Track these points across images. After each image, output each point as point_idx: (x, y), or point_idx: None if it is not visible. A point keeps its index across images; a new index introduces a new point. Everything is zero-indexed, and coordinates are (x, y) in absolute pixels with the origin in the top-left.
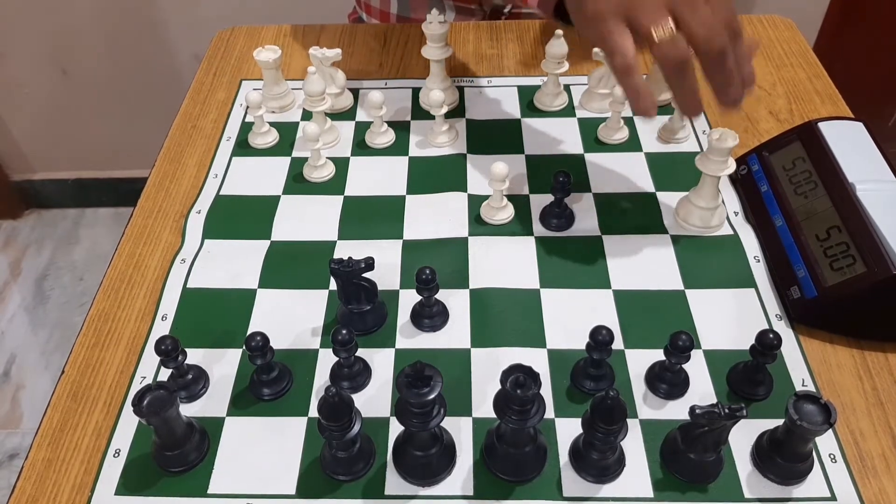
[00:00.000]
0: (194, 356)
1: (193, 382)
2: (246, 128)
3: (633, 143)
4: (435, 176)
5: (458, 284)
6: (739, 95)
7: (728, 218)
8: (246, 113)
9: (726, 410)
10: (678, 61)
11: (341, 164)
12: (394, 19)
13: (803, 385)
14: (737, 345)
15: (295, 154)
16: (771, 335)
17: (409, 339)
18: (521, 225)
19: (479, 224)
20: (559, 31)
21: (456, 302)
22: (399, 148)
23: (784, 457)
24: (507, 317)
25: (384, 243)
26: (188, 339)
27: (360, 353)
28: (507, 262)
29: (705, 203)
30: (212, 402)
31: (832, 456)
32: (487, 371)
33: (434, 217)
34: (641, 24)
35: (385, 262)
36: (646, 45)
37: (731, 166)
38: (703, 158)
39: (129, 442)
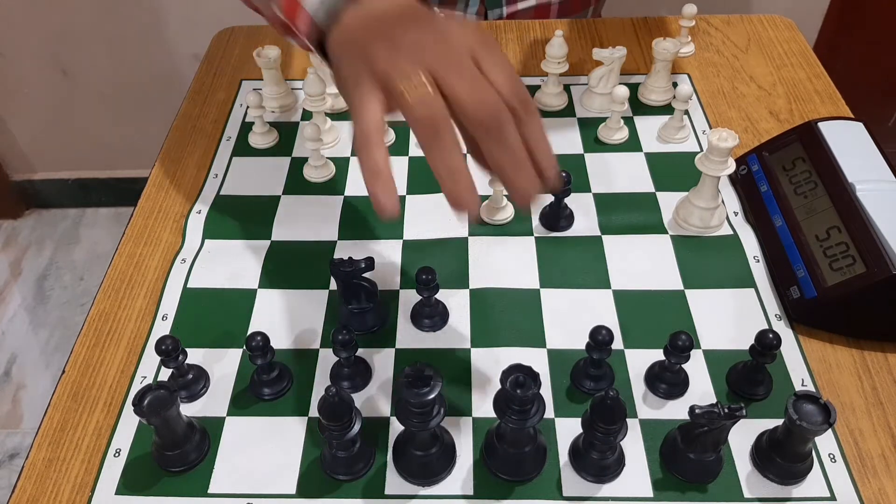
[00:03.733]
0: (195, 356)
1: (194, 382)
2: (246, 128)
3: (633, 143)
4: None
5: (458, 284)
6: (533, 185)
7: (728, 218)
8: (246, 113)
9: (726, 410)
10: (431, 122)
11: (341, 164)
12: None
13: (803, 385)
14: (736, 345)
15: (295, 154)
16: (770, 335)
17: (409, 339)
18: (521, 225)
19: (479, 224)
20: (559, 31)
21: (456, 302)
22: (399, 148)
23: (784, 457)
24: (507, 317)
25: (384, 243)
26: (188, 339)
27: (360, 353)
28: (507, 262)
29: (705, 203)
30: (212, 402)
31: (832, 456)
32: (487, 371)
33: (434, 217)
34: (394, 84)
35: (385, 262)
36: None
37: (731, 166)
38: (703, 159)
39: (130, 442)
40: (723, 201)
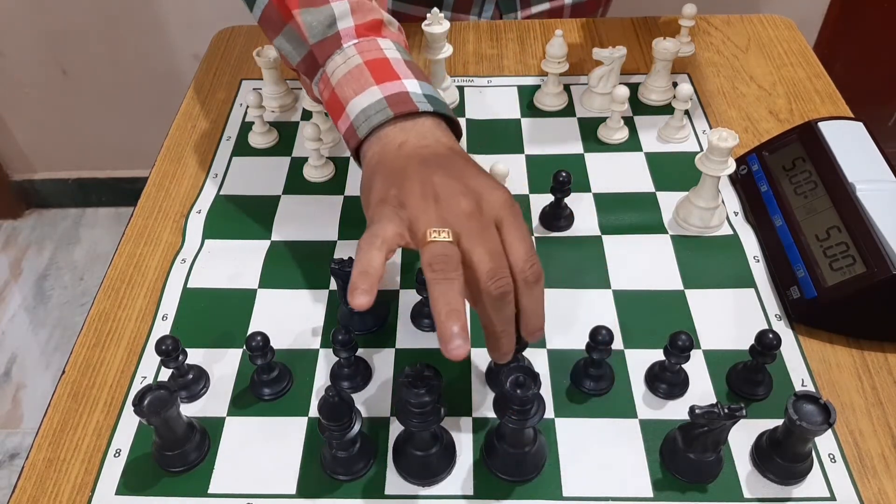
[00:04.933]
0: (195, 356)
1: (194, 382)
2: (246, 128)
3: (633, 143)
4: None
5: None
6: (511, 349)
7: (728, 218)
8: (246, 113)
9: (726, 410)
10: (444, 269)
11: (341, 164)
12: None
13: (803, 385)
14: (736, 345)
15: (295, 154)
16: (770, 335)
17: (409, 339)
18: None
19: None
20: (559, 31)
21: None
22: None
23: (783, 457)
24: None
25: None
26: (188, 339)
27: (360, 353)
28: None
29: (705, 203)
30: (212, 402)
31: (832, 456)
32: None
33: None
34: (421, 229)
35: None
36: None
37: (731, 166)
38: (702, 158)
39: (130, 442)
40: (723, 201)
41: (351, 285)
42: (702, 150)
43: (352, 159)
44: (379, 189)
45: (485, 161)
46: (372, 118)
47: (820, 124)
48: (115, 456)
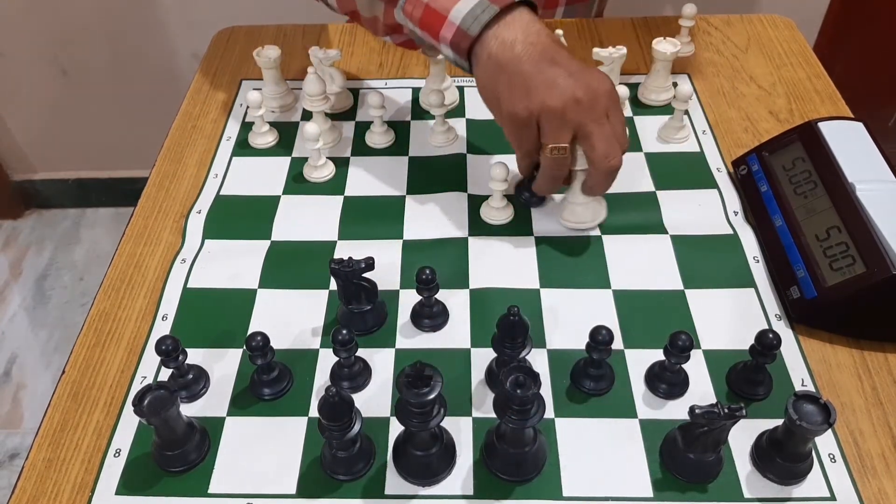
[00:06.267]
0: (195, 356)
1: (194, 382)
2: (246, 128)
3: (633, 143)
4: (435, 176)
5: (458, 284)
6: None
7: (728, 218)
8: (246, 113)
9: (726, 410)
10: (559, 171)
11: (341, 164)
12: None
13: (803, 385)
14: (736, 345)
15: (295, 154)
16: (770, 335)
17: (409, 339)
18: (521, 225)
19: (479, 224)
20: (559, 31)
21: (456, 302)
22: (399, 148)
23: (783, 457)
24: None
25: (384, 243)
26: (188, 339)
27: (360, 353)
28: (507, 262)
29: (584, 199)
30: (212, 402)
31: (832, 456)
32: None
33: (434, 217)
34: (545, 137)
35: (385, 262)
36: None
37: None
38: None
39: (130, 442)
40: (601, 202)
41: (536, 189)
42: (702, 149)
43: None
44: (507, 99)
45: (485, 161)
46: (480, 17)
47: (820, 124)
48: (114, 456)
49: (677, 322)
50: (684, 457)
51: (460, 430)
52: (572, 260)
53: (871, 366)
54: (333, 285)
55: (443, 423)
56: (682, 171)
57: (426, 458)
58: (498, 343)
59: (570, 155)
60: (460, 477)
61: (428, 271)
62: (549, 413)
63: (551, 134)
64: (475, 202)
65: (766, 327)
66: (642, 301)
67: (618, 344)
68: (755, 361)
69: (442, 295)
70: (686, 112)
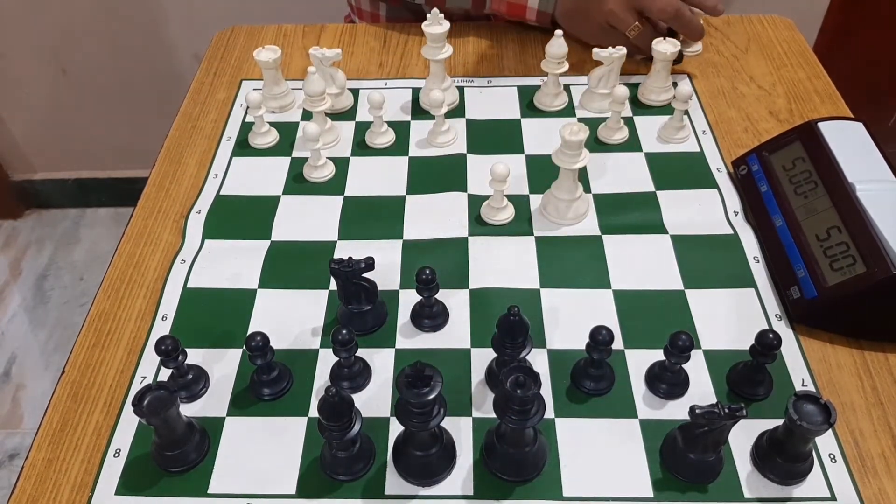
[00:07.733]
0: (194, 356)
1: (193, 382)
2: (246, 128)
3: (633, 143)
4: (435, 176)
5: (458, 284)
6: (700, 28)
7: (728, 218)
8: (246, 113)
9: (726, 410)
10: (642, 44)
11: (341, 164)
12: (383, 21)
13: (803, 385)
14: (736, 345)
15: (295, 154)
16: (771, 335)
17: (409, 339)
18: (521, 225)
19: (479, 224)
20: (559, 31)
21: (456, 302)
22: (399, 148)
23: (784, 457)
24: None
25: (384, 243)
26: (188, 339)
27: (360, 353)
28: (507, 262)
29: (566, 195)
30: (212, 402)
31: (832, 456)
32: None
33: (434, 217)
34: (618, 27)
35: (385, 262)
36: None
37: (585, 159)
38: (557, 153)
39: (130, 442)
40: (581, 196)
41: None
42: (702, 149)
43: None
44: (581, 20)
45: (485, 161)
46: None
47: (820, 124)
48: (114, 456)
49: (677, 322)
50: (684, 457)
51: (460, 430)
52: (572, 260)
53: (872, 366)
54: (333, 285)
55: (443, 424)
56: (682, 172)
57: (426, 458)
58: (498, 343)
59: (645, 25)
60: (460, 477)
61: (428, 271)
62: (550, 413)
63: (619, 25)
64: (475, 202)
65: (767, 327)
66: (642, 301)
67: (618, 344)
68: (755, 361)
69: (442, 295)
70: (686, 112)
